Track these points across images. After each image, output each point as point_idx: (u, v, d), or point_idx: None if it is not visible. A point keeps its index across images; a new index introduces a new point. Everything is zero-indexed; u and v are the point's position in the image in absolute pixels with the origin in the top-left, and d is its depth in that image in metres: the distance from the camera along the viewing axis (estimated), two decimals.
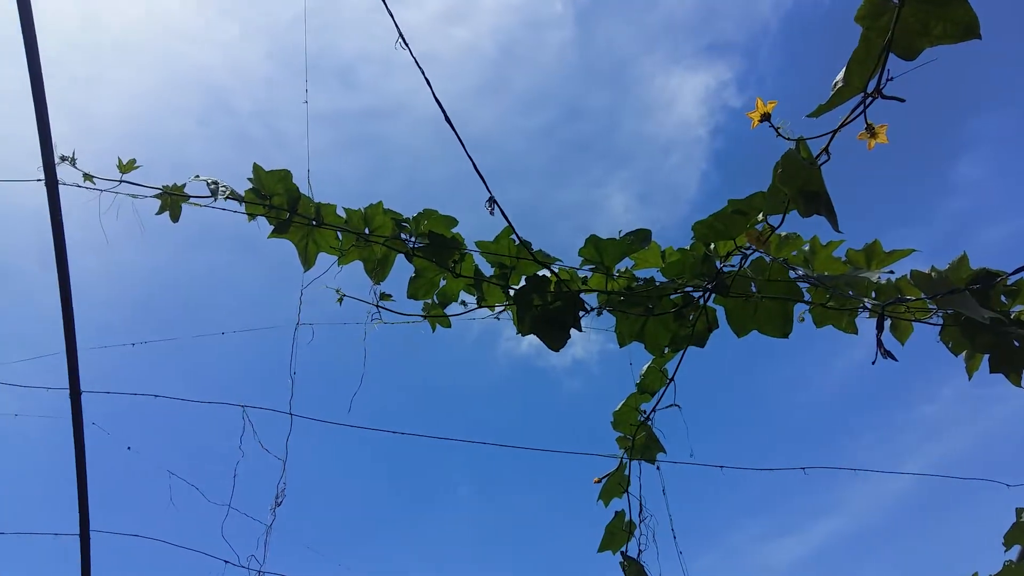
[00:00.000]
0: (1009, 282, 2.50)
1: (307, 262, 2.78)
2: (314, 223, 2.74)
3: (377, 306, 2.71)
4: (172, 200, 2.73)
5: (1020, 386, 2.48)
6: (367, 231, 2.73)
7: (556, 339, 2.59)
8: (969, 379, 2.59)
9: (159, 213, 2.72)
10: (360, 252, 2.77)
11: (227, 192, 2.71)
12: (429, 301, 2.77)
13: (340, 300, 2.79)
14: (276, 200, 2.74)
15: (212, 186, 2.65)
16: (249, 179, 2.73)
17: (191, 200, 2.74)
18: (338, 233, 2.76)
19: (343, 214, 2.75)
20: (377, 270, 2.74)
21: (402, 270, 2.78)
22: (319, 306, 2.92)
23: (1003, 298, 2.51)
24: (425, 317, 2.77)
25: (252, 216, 2.75)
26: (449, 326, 2.77)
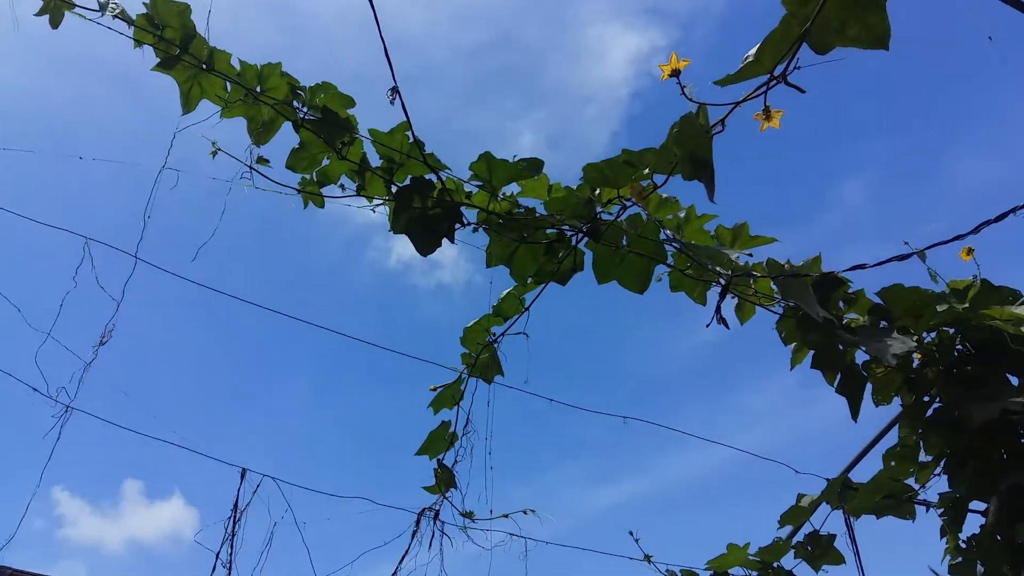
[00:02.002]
0: (850, 291, 2.71)
1: (187, 105, 2.63)
2: (204, 66, 2.58)
3: (251, 168, 2.61)
4: (55, 3, 2.49)
5: (832, 385, 2.71)
6: (259, 89, 2.61)
7: (427, 244, 2.59)
8: (791, 369, 2.81)
9: (39, 14, 2.48)
10: (246, 109, 2.64)
11: (117, 10, 2.50)
12: (307, 177, 2.69)
13: (214, 153, 2.67)
14: (168, 32, 2.55)
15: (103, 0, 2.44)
16: (145, 3, 2.53)
17: (76, 9, 2.51)
18: (227, 84, 2.62)
19: (237, 65, 2.60)
20: (260, 131, 2.62)
21: (286, 139, 2.68)
22: (192, 158, 2.78)
23: (841, 304, 2.72)
24: (299, 191, 2.69)
25: (139, 43, 2.56)
26: (322, 206, 2.71)
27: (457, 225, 2.66)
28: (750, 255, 2.54)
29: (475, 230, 2.70)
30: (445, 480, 3.25)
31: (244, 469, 3.33)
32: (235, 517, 3.40)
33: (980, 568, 2.59)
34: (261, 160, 2.61)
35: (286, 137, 2.63)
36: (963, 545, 2.60)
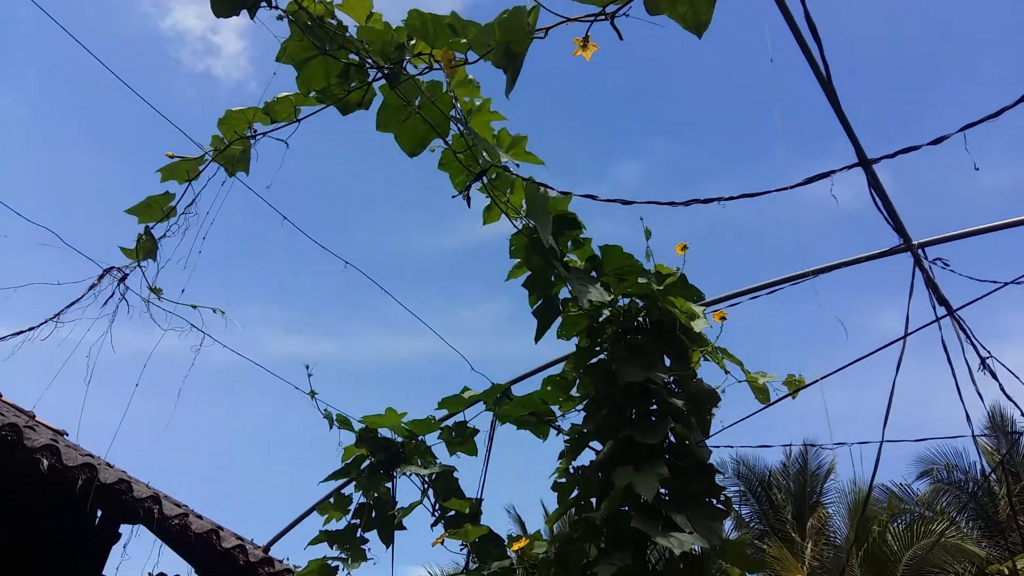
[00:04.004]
0: (581, 236, 2.99)
1: None
2: None
3: None
4: None
5: (532, 308, 2.99)
6: None
7: (225, 6, 2.43)
8: (505, 280, 3.05)
9: None
10: None
11: None
12: None
13: None
14: None
15: None
16: None
17: None
18: None
19: None
20: None
21: None
22: None
23: (569, 244, 2.99)
24: None
25: None
26: None
27: (264, 3, 2.52)
28: (517, 165, 2.70)
29: (280, 18, 2.58)
30: (146, 249, 3.13)
31: None
32: None
33: (576, 492, 3.05)
34: None
35: None
36: (572, 471, 3.03)
